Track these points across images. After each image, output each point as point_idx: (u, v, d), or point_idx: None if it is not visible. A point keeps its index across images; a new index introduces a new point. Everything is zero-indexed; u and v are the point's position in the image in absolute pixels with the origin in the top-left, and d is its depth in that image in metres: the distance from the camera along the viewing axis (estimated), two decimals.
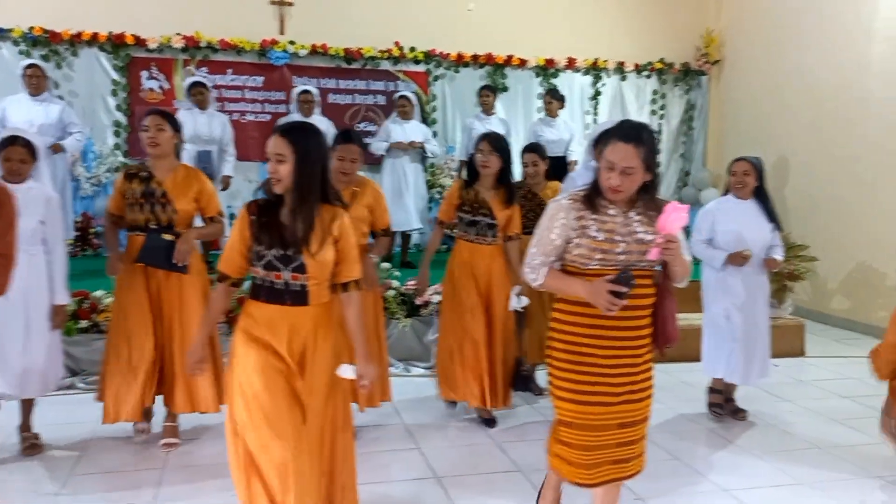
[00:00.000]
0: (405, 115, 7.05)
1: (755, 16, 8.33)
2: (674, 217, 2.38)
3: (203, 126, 6.34)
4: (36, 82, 6.03)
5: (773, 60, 8.02)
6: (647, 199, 2.52)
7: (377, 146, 6.97)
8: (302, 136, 2.50)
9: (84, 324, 5.00)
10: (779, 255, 4.32)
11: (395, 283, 5.67)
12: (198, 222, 3.93)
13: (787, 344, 6.01)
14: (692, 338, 4.55)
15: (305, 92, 6.81)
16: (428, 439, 4.12)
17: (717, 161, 9.02)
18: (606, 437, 2.56)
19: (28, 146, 3.62)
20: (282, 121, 6.72)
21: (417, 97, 7.80)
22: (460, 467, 3.74)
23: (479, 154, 4.10)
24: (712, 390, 4.58)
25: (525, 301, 4.17)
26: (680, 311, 2.68)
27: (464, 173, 7.52)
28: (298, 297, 2.52)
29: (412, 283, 5.53)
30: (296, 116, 6.69)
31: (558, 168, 6.33)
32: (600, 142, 2.53)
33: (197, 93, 6.35)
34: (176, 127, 3.83)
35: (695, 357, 4.58)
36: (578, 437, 2.56)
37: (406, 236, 7.09)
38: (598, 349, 2.50)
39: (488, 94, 7.31)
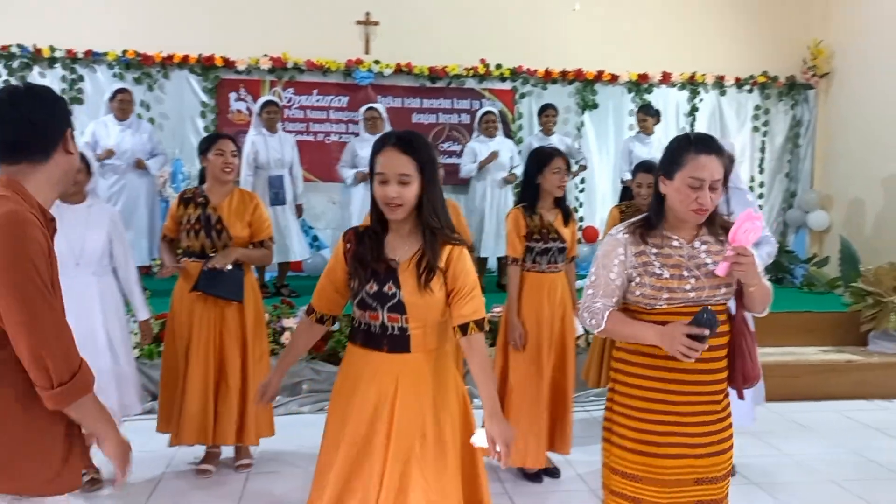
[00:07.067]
0: (489, 133, 6.78)
1: (868, 26, 7.70)
2: (746, 227, 2.08)
3: (275, 150, 6.18)
4: (125, 107, 6.11)
5: (887, 74, 7.37)
6: (709, 223, 2.22)
7: (467, 169, 6.74)
8: (424, 148, 2.15)
9: None
10: None
11: None
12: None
13: None
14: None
15: (371, 108, 6.47)
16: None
17: (826, 181, 8.39)
18: (680, 494, 2.20)
19: (83, 160, 3.39)
20: (356, 142, 6.47)
21: (503, 116, 7.55)
22: None
23: (555, 174, 3.73)
24: None
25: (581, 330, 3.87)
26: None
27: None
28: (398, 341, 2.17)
29: (497, 309, 5.26)
30: (364, 135, 6.44)
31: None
32: (670, 161, 2.24)
33: (271, 111, 6.17)
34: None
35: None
36: (649, 493, 2.19)
37: (484, 261, 6.85)
38: (671, 394, 2.17)
39: (552, 113, 7.03)
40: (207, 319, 3.67)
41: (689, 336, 2.03)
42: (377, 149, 2.14)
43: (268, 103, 6.24)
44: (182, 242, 3.75)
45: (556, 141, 6.92)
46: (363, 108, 6.55)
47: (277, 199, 6.16)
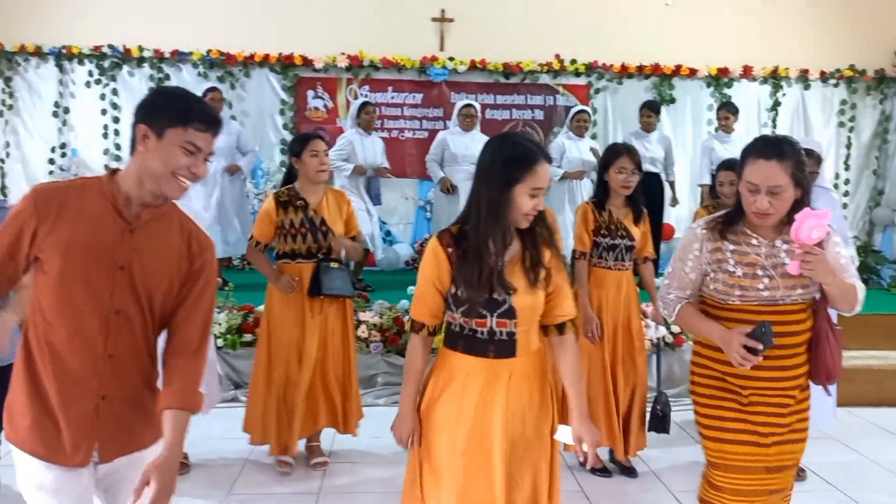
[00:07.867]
0: (580, 132, 6.62)
1: None
2: (808, 224, 2.08)
3: (370, 150, 6.27)
4: (216, 105, 6.25)
5: None
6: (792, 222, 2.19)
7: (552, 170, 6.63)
8: None
9: (248, 337, 5.08)
10: None
11: None
12: None
13: None
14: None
15: (468, 105, 6.46)
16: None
17: None
18: (756, 482, 2.29)
19: None
20: (447, 135, 6.45)
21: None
22: None
23: (619, 174, 3.67)
24: None
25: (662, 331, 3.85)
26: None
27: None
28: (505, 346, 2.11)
29: None
30: (456, 130, 6.46)
31: None
32: (740, 163, 2.27)
33: (369, 112, 6.27)
34: None
35: None
36: (728, 479, 2.30)
37: None
38: (744, 388, 2.26)
39: (650, 113, 6.81)
40: (315, 318, 3.73)
41: (745, 347, 2.12)
42: (532, 161, 2.05)
43: (365, 104, 6.33)
44: (283, 246, 3.74)
45: (656, 139, 6.79)
46: (460, 104, 6.48)
47: (377, 199, 6.33)
